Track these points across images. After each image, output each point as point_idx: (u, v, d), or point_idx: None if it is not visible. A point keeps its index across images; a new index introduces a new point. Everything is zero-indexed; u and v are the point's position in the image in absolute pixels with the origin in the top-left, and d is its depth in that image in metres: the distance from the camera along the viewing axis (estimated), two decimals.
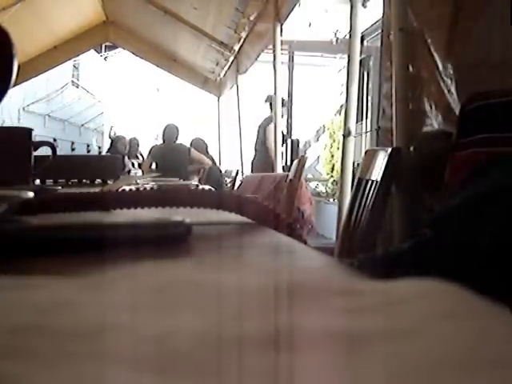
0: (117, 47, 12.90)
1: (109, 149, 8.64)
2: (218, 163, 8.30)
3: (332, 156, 10.77)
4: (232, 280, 0.29)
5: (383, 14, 2.99)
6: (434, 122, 2.38)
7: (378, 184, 2.14)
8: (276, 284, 0.28)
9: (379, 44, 3.99)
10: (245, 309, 0.24)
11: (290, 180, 3.79)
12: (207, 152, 8.00)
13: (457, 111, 1.99)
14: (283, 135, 6.76)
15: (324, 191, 10.39)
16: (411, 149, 2.26)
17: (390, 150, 2.20)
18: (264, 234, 0.59)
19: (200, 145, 7.84)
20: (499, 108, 1.63)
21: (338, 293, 0.27)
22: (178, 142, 7.14)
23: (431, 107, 2.39)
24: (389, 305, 0.25)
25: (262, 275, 0.30)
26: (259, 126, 7.20)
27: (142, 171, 6.85)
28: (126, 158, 6.77)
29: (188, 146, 7.23)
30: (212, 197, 0.61)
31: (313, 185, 10.54)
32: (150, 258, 0.36)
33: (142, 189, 0.66)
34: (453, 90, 2.22)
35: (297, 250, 0.48)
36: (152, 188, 0.65)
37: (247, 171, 7.55)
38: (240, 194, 0.62)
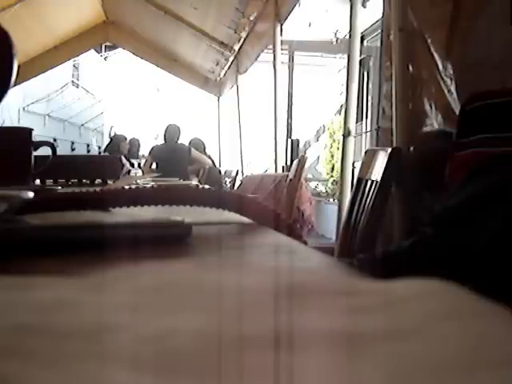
0: (117, 47, 12.90)
1: (106, 147, 8.60)
2: (217, 163, 8.30)
3: (332, 156, 10.77)
4: (232, 280, 0.29)
5: (383, 13, 2.98)
6: (433, 121, 2.38)
7: (378, 184, 2.14)
8: (276, 284, 0.28)
9: (379, 44, 3.99)
10: (245, 309, 0.24)
11: (290, 180, 3.79)
12: (205, 152, 8.01)
13: (457, 111, 1.99)
14: None
15: (324, 191, 10.39)
16: (411, 149, 2.26)
17: (389, 149, 2.20)
18: (264, 234, 0.59)
19: (198, 145, 7.85)
20: (499, 108, 1.63)
21: (339, 293, 0.27)
22: (179, 142, 7.13)
23: (431, 107, 2.39)
24: (389, 304, 0.25)
25: (262, 275, 0.30)
26: None
27: (142, 171, 6.84)
28: (124, 158, 6.77)
29: (188, 145, 7.23)
30: (212, 195, 0.61)
31: (313, 185, 10.54)
32: (150, 258, 0.36)
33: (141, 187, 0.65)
34: (453, 89, 2.22)
35: (297, 250, 0.48)
36: (152, 186, 0.64)
37: (247, 171, 7.55)
38: (240, 194, 0.62)
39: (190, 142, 7.86)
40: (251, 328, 0.22)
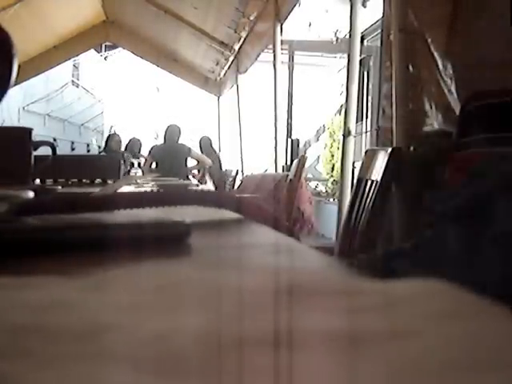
0: (117, 47, 12.91)
1: (104, 147, 8.57)
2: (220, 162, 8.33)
3: (332, 156, 10.78)
4: (232, 280, 0.29)
5: (383, 13, 2.99)
6: (434, 121, 2.38)
7: (378, 184, 2.14)
8: (276, 284, 0.28)
9: (379, 44, 4.00)
10: (244, 309, 0.24)
11: (290, 180, 3.79)
12: (213, 150, 8.10)
13: (457, 111, 1.99)
14: None
15: (324, 191, 10.40)
16: (411, 149, 2.26)
17: (390, 149, 2.20)
18: (265, 234, 0.59)
19: (207, 143, 7.97)
20: (499, 108, 1.63)
21: (338, 293, 0.27)
22: (179, 142, 7.14)
23: (431, 107, 2.39)
24: (388, 305, 0.25)
25: (261, 275, 0.30)
26: None
27: (142, 171, 6.84)
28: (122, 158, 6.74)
29: (188, 146, 7.23)
30: (211, 197, 0.61)
31: (313, 184, 10.56)
32: (149, 258, 0.36)
33: (141, 189, 0.66)
34: (453, 89, 2.22)
35: (297, 250, 0.48)
36: (151, 189, 0.65)
37: (247, 171, 7.57)
38: (235, 195, 0.62)
39: (200, 141, 7.97)
40: (251, 328, 0.22)
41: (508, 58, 1.93)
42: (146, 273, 0.33)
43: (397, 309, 0.24)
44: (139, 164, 7.43)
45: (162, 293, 0.27)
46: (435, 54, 2.32)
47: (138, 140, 9.26)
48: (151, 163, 7.08)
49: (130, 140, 9.09)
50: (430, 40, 2.35)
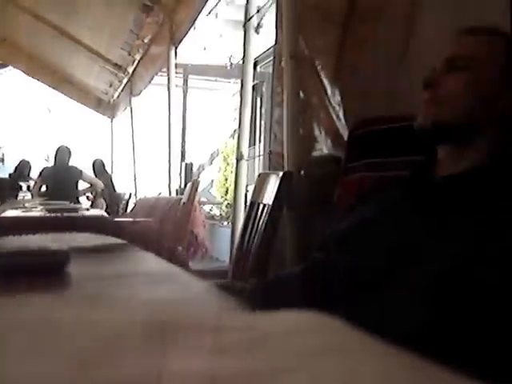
0: (7, 65, 12.50)
1: (14, 172, 8.22)
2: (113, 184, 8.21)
3: (226, 179, 10.84)
4: (98, 318, 0.28)
5: (276, 40, 3.04)
6: (323, 146, 2.43)
7: (270, 207, 2.16)
8: (147, 321, 0.27)
9: (272, 70, 4.06)
10: (106, 351, 0.23)
11: (184, 203, 3.77)
12: (106, 172, 7.98)
13: (345, 136, 2.04)
14: None
15: (218, 214, 10.43)
16: (302, 173, 2.29)
17: (281, 173, 2.22)
18: (145, 261, 0.58)
19: (100, 165, 7.87)
20: (384, 134, 1.68)
21: (211, 329, 0.26)
22: (70, 164, 6.98)
23: (321, 132, 2.44)
24: (258, 341, 0.24)
25: (136, 311, 0.29)
26: None
27: (32, 194, 6.63)
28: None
29: (80, 168, 7.08)
30: (90, 223, 0.60)
31: (207, 208, 10.57)
32: (23, 291, 0.34)
33: (27, 213, 0.63)
34: (341, 115, 2.28)
35: (176, 279, 0.47)
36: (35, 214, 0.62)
37: (140, 194, 7.50)
38: (117, 221, 0.61)
39: (93, 163, 7.84)
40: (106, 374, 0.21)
41: (389, 89, 2.00)
42: (15, 308, 0.31)
43: (267, 345, 0.24)
44: (28, 187, 7.19)
45: (20, 332, 0.25)
46: (324, 81, 2.37)
47: (28, 162, 8.98)
48: (41, 186, 6.87)
49: (20, 162, 8.81)
50: (319, 67, 2.41)
